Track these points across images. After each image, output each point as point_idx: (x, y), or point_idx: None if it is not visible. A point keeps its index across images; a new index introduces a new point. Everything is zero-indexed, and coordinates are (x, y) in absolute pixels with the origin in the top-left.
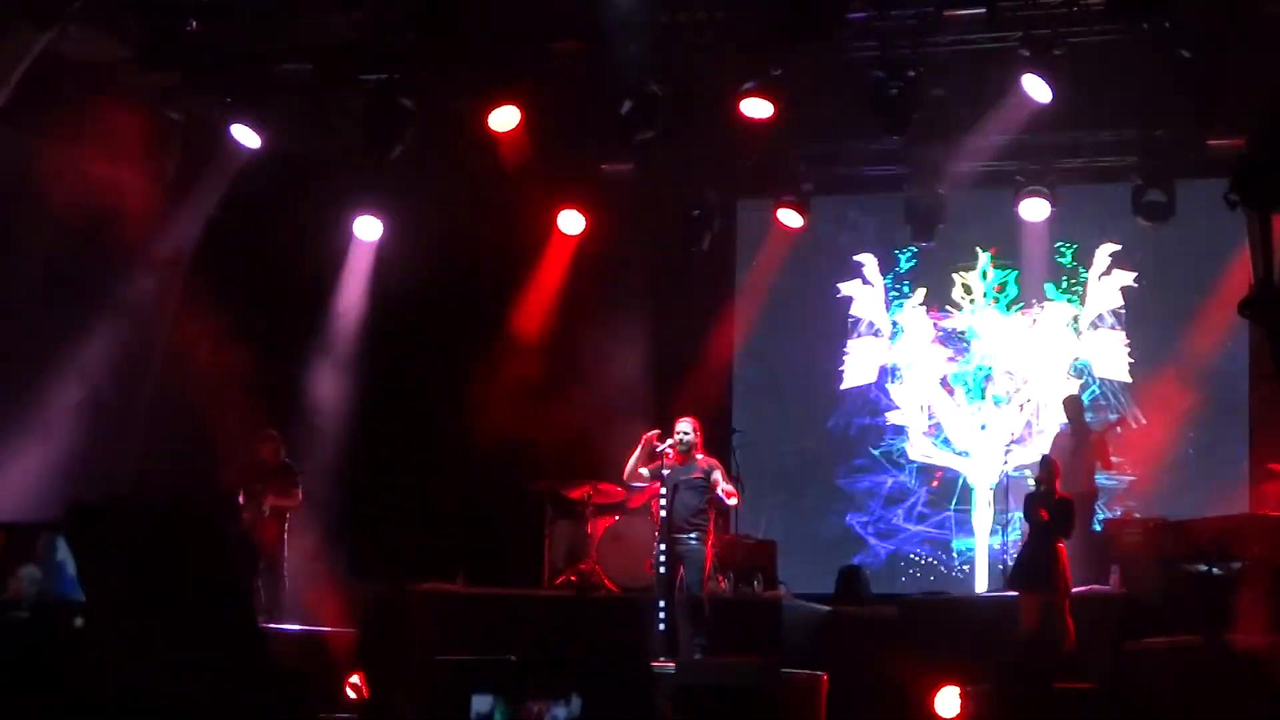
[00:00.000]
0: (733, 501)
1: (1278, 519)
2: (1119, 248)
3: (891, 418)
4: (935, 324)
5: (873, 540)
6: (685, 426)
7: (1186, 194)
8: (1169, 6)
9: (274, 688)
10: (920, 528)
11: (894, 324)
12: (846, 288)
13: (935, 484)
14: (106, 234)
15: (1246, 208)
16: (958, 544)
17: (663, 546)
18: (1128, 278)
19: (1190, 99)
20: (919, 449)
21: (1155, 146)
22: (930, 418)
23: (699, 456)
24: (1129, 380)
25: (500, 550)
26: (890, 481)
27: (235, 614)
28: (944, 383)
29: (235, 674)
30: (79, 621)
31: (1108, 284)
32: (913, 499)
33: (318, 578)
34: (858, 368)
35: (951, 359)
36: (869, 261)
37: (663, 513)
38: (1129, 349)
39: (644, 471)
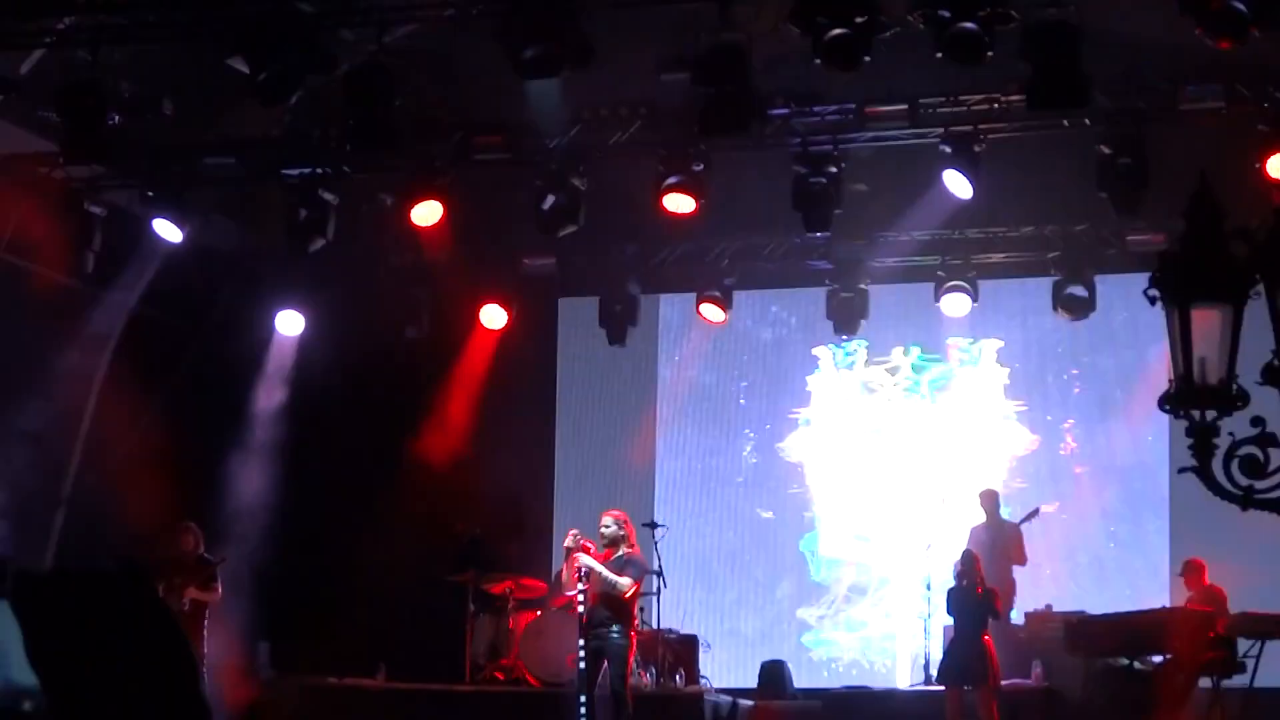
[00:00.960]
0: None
1: (1199, 613)
2: (1038, 341)
3: (816, 512)
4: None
5: (795, 635)
6: (608, 520)
7: (1107, 288)
8: (1089, 104)
9: None
10: (841, 623)
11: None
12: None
13: (857, 579)
14: (26, 322)
15: (1166, 303)
16: (880, 639)
17: (583, 641)
18: (1053, 373)
19: (1110, 194)
20: (839, 544)
21: (1075, 241)
22: (851, 512)
23: (624, 551)
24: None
25: (421, 644)
26: (812, 576)
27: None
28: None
29: None
30: (28, 706)
31: (1033, 379)
32: (835, 594)
33: (238, 673)
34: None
35: (871, 451)
36: (824, 355)
37: (582, 607)
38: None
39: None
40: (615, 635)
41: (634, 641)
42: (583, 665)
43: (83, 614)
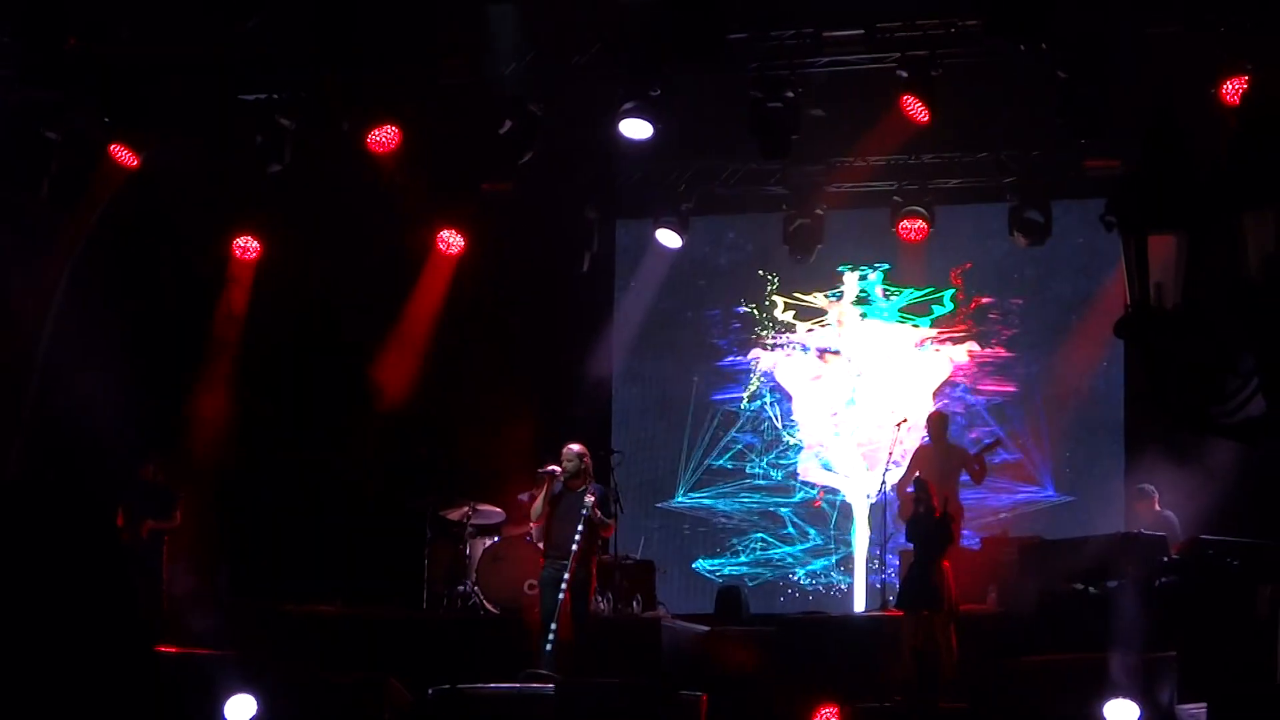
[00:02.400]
0: (610, 525)
1: (1152, 538)
2: (997, 267)
3: (771, 438)
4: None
5: (751, 560)
6: (572, 454)
7: (1063, 214)
8: (1046, 28)
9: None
10: (798, 548)
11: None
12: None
13: (816, 505)
14: None
15: (1122, 229)
16: (837, 564)
17: (554, 568)
18: (1006, 296)
19: (1067, 120)
20: (806, 469)
21: (1032, 167)
22: (810, 436)
23: (595, 485)
24: (1016, 400)
25: (379, 571)
26: (767, 500)
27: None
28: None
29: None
30: None
31: (989, 304)
32: (791, 519)
33: (196, 599)
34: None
35: (828, 375)
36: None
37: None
38: (1013, 369)
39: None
40: (563, 564)
41: (595, 573)
42: (563, 592)
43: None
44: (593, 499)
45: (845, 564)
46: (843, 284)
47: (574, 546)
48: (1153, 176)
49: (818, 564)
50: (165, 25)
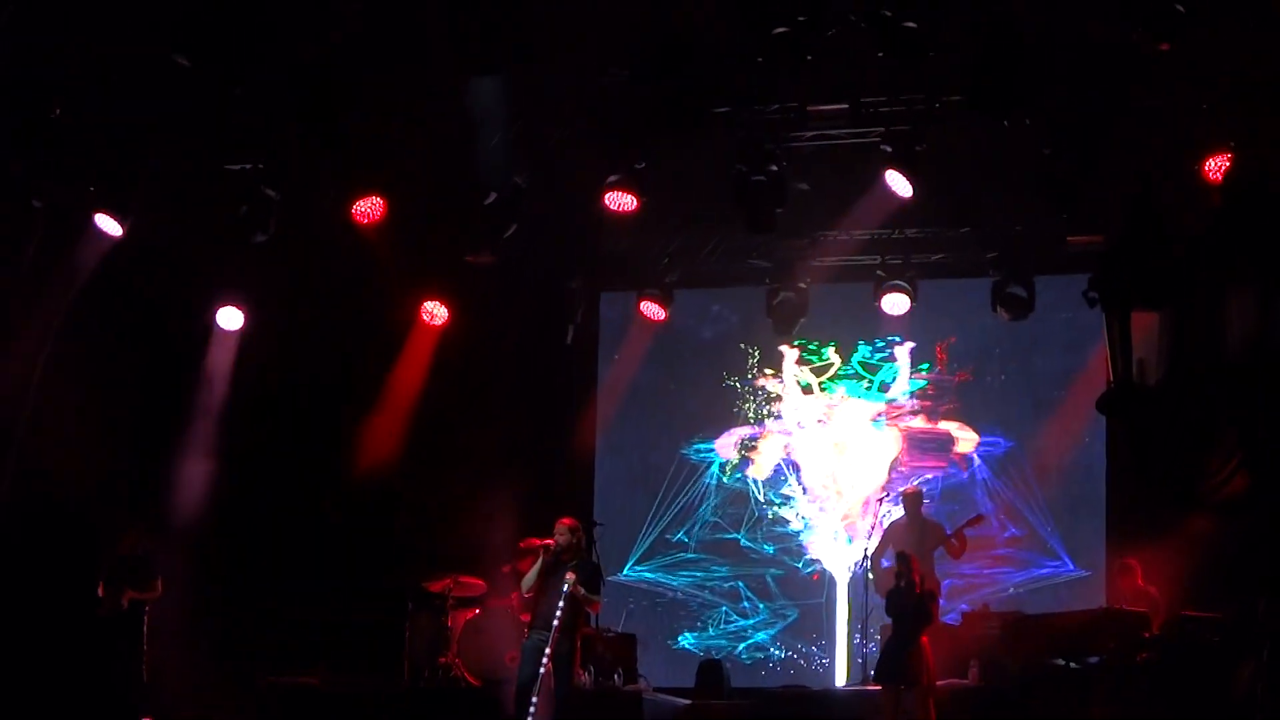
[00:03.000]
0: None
1: (1133, 614)
2: (977, 341)
3: (759, 510)
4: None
5: (732, 634)
6: (563, 529)
7: (1046, 289)
8: (1029, 104)
9: None
10: (779, 621)
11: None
12: (700, 379)
13: (815, 578)
14: None
15: (1105, 306)
16: (818, 638)
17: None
18: (991, 374)
19: (1050, 195)
20: (782, 542)
21: (1015, 242)
22: (794, 510)
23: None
24: (1001, 475)
25: (360, 644)
26: (750, 573)
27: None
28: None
29: None
30: None
31: (971, 380)
32: (773, 591)
33: (178, 670)
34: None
35: (812, 449)
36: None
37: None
38: (997, 445)
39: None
40: (544, 636)
41: (579, 647)
42: (544, 664)
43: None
44: (573, 576)
45: (827, 637)
46: (827, 359)
47: (555, 620)
48: (1135, 253)
49: (788, 636)
50: (151, 94)
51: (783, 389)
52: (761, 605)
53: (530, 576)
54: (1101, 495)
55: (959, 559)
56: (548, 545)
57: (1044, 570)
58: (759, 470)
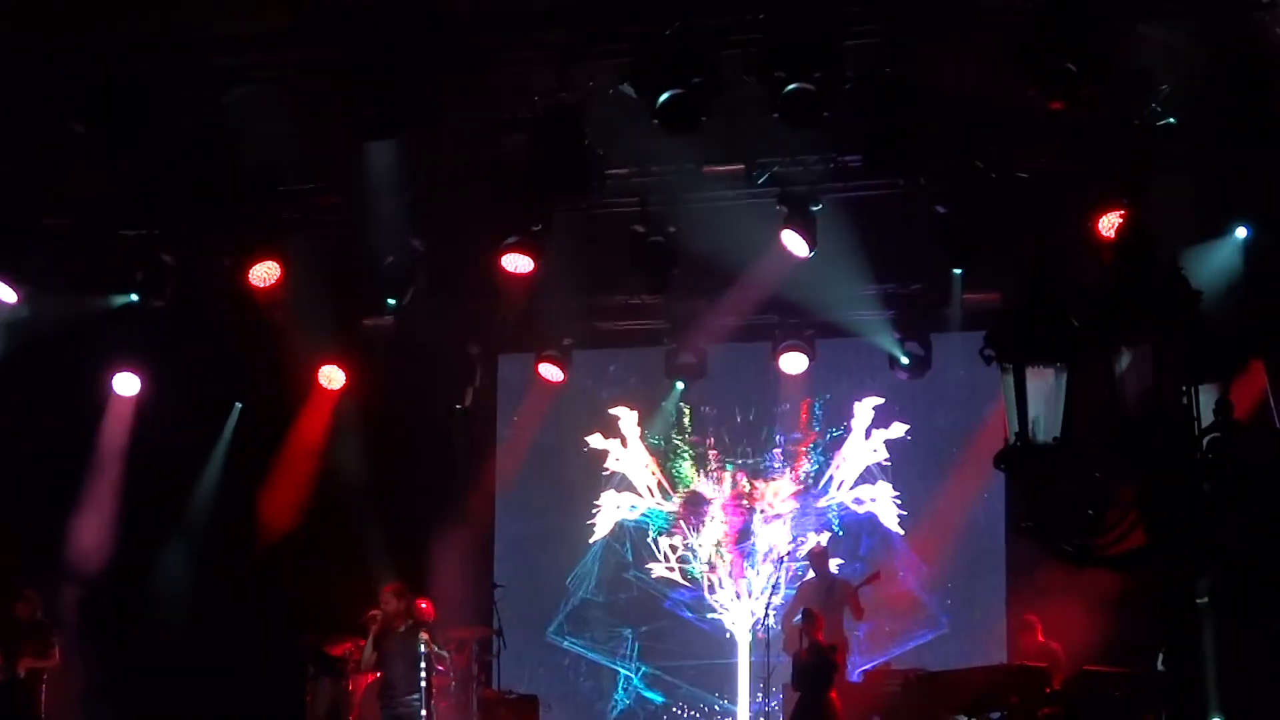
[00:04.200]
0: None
1: (1035, 669)
2: (881, 401)
3: (651, 569)
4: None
5: (629, 694)
6: (389, 596)
7: (943, 347)
8: (924, 164)
9: None
10: (679, 681)
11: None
12: (594, 441)
13: (700, 635)
14: None
15: (1001, 363)
16: (721, 697)
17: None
18: (895, 430)
19: (946, 253)
20: (683, 604)
21: (912, 300)
22: (694, 572)
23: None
24: (900, 532)
25: (261, 708)
26: (646, 632)
27: None
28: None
29: None
30: None
31: (873, 438)
32: (671, 650)
33: None
34: (609, 520)
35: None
36: (625, 415)
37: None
38: (898, 502)
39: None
40: (415, 702)
41: (432, 706)
42: None
43: None
44: (427, 635)
45: (729, 695)
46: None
47: (422, 683)
48: (1030, 311)
49: (704, 696)
50: (42, 161)
51: (687, 451)
52: (663, 664)
53: (367, 652)
54: (1001, 551)
55: (860, 620)
56: (373, 615)
57: (943, 629)
58: (664, 527)
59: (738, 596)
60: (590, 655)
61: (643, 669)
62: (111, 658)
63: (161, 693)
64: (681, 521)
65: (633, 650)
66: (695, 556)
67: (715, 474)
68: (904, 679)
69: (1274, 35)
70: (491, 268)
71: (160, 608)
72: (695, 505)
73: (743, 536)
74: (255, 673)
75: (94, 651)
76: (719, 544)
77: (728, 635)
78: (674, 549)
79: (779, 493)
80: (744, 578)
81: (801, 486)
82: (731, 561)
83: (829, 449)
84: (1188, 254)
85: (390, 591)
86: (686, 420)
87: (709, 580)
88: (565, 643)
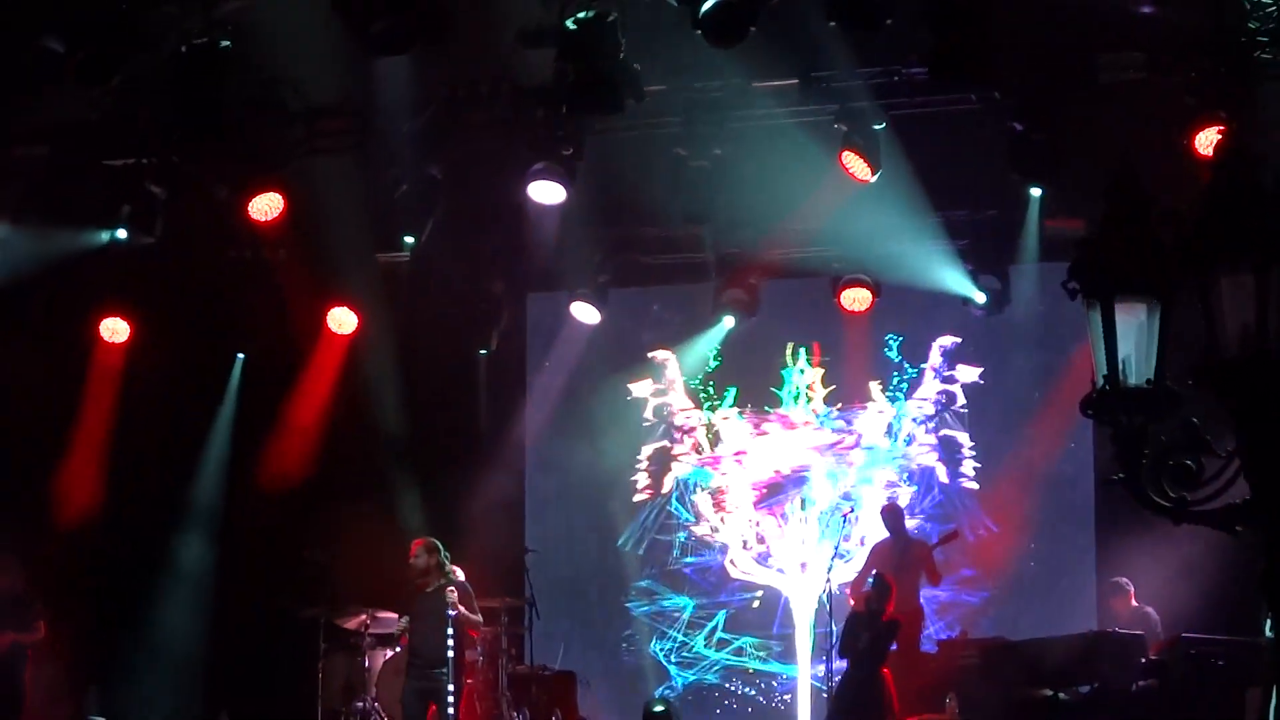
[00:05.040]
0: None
1: (1128, 637)
2: (957, 340)
3: (700, 532)
4: (752, 429)
5: (680, 669)
6: (418, 551)
7: (1022, 280)
8: (997, 75)
9: None
10: (734, 654)
11: (707, 428)
12: (638, 388)
13: (756, 605)
14: None
15: (1086, 297)
16: (778, 671)
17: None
18: (969, 373)
19: (1023, 176)
20: (737, 566)
21: (987, 229)
22: (746, 532)
23: (450, 580)
24: (975, 486)
25: (268, 687)
26: (697, 603)
27: None
28: (759, 493)
29: None
30: None
31: (945, 381)
32: (726, 622)
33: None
34: (655, 477)
35: (764, 466)
36: (668, 359)
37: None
38: (972, 452)
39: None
40: (445, 675)
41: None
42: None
43: None
44: (454, 592)
45: (787, 670)
46: (779, 362)
47: (449, 653)
48: (1118, 238)
49: (760, 669)
50: (14, 84)
51: (739, 397)
52: (718, 637)
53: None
54: (1090, 506)
55: (937, 584)
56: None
57: (1025, 593)
58: (707, 486)
59: (802, 567)
60: (633, 628)
61: (692, 642)
62: (101, 632)
63: (156, 670)
64: (732, 478)
65: (681, 622)
66: (749, 518)
67: (768, 424)
68: (982, 650)
69: None
70: (518, 197)
71: (154, 577)
72: (746, 458)
73: (803, 493)
74: (262, 648)
75: (82, 626)
76: (775, 502)
77: (785, 604)
78: (723, 508)
79: (842, 443)
80: (804, 541)
81: (868, 437)
82: (790, 521)
83: (896, 395)
84: None
85: (420, 545)
86: (735, 364)
87: (763, 544)
88: (605, 613)
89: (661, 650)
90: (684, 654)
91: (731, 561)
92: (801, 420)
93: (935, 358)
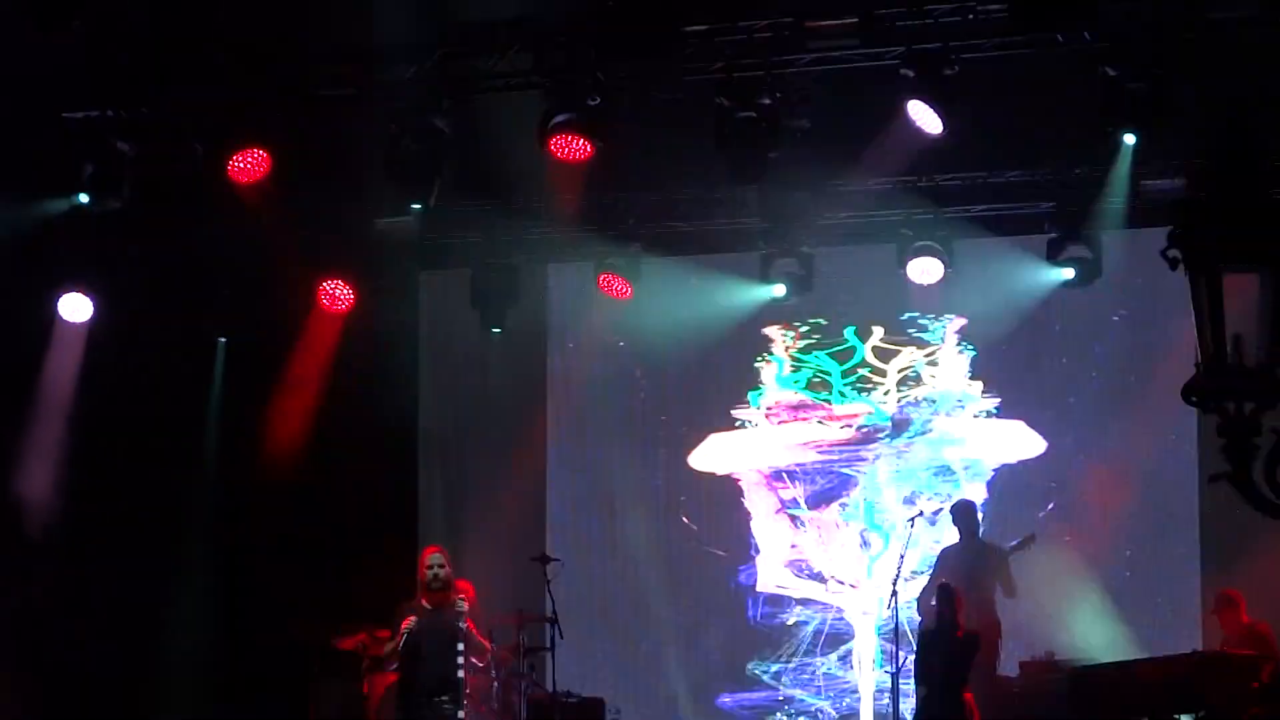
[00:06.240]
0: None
1: (1238, 658)
2: (1033, 316)
3: (756, 539)
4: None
5: (726, 696)
6: (436, 559)
7: (1115, 247)
8: (1090, 14)
9: None
10: (787, 680)
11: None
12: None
13: (806, 622)
14: None
15: (1189, 267)
16: (833, 700)
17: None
18: (1049, 355)
19: (1115, 129)
20: (779, 579)
21: (1074, 190)
22: (801, 538)
23: (460, 600)
24: (1050, 484)
25: (250, 715)
26: (750, 620)
27: None
28: (815, 497)
29: None
30: None
31: (1023, 363)
32: (779, 641)
33: None
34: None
35: (823, 466)
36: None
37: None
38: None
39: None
40: (447, 705)
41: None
42: None
43: None
44: (467, 606)
45: (849, 694)
46: (838, 343)
47: (459, 674)
48: (1227, 199)
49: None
50: None
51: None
52: (760, 657)
53: (390, 648)
54: (1194, 506)
55: (1014, 595)
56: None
57: (1119, 606)
58: (757, 486)
59: (861, 576)
60: (670, 648)
61: (738, 665)
62: (57, 655)
63: (120, 695)
64: (785, 474)
65: (723, 640)
66: (801, 523)
67: (824, 411)
68: (1070, 673)
69: None
70: (539, 153)
71: (119, 592)
72: (800, 451)
73: (863, 492)
74: (246, 671)
75: (35, 645)
76: (831, 504)
77: (840, 619)
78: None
79: (907, 430)
80: (866, 545)
81: (935, 427)
82: (846, 524)
83: (965, 380)
84: None
85: (438, 554)
86: (788, 344)
87: (818, 550)
88: (637, 632)
89: (702, 675)
90: (735, 678)
91: (773, 575)
92: (857, 411)
93: (1015, 338)
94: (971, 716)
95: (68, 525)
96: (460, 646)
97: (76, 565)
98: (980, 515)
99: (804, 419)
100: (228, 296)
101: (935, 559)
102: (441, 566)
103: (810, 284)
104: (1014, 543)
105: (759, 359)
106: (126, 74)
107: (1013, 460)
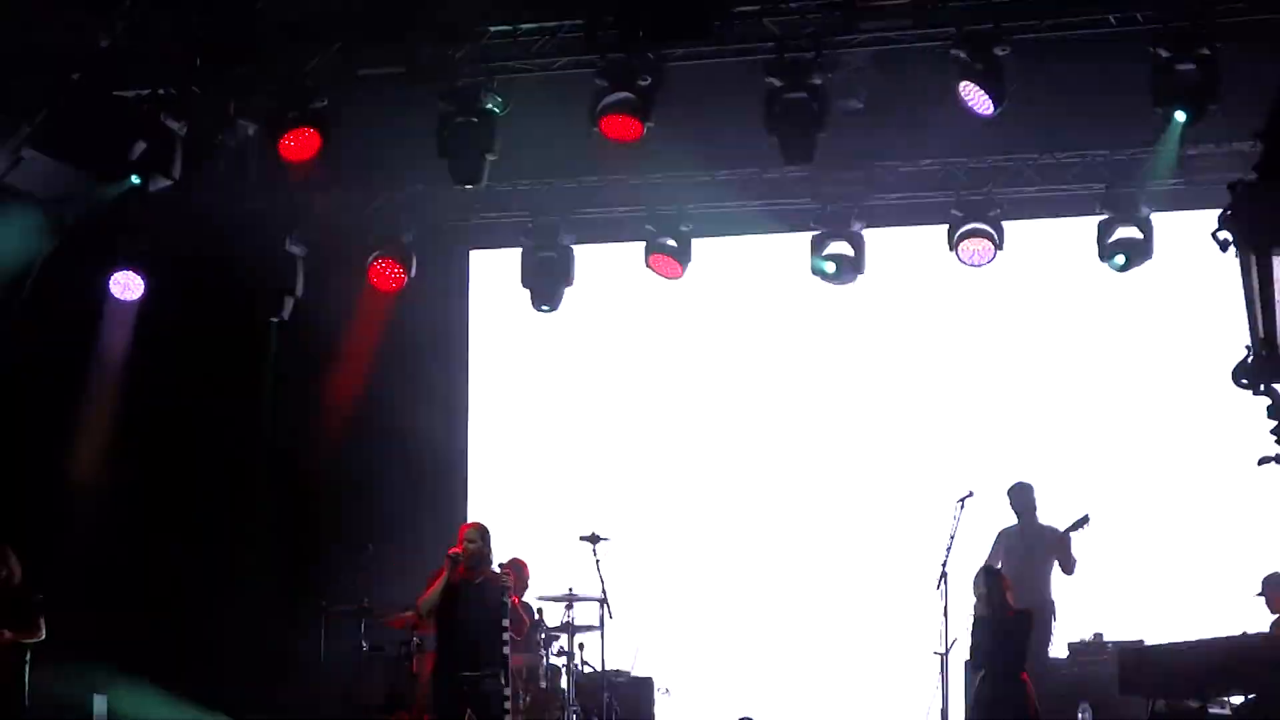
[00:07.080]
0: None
1: None
2: (1085, 295)
3: (809, 513)
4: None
5: (779, 676)
6: (472, 534)
7: (1166, 229)
8: None
9: None
10: (836, 660)
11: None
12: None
13: (855, 599)
14: None
15: (1240, 249)
16: (889, 679)
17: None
18: (1102, 333)
19: (1168, 110)
20: (837, 553)
21: (1126, 170)
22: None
23: (497, 571)
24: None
25: (297, 692)
26: (804, 597)
27: None
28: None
29: None
30: None
31: (1075, 342)
32: (829, 620)
33: None
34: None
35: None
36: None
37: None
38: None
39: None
40: (487, 679)
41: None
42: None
43: None
44: (510, 579)
45: (899, 677)
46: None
47: (505, 650)
48: (1277, 182)
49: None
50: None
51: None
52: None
53: (431, 597)
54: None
55: (1071, 573)
56: (454, 554)
57: (1171, 588)
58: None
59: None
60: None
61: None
62: (108, 630)
63: (171, 672)
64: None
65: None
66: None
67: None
68: (1120, 654)
69: None
70: (588, 134)
71: (167, 567)
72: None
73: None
74: (291, 650)
75: (86, 622)
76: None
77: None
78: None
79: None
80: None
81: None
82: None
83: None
84: None
85: (474, 529)
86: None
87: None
88: (687, 613)
89: (755, 654)
90: (789, 655)
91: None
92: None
93: (1064, 314)
94: (1030, 698)
95: (118, 509)
96: (505, 623)
97: (129, 542)
98: (1034, 495)
99: None
100: (278, 275)
101: (994, 539)
102: (472, 542)
103: (862, 265)
104: (1070, 525)
105: None
106: (179, 52)
107: (1066, 440)
